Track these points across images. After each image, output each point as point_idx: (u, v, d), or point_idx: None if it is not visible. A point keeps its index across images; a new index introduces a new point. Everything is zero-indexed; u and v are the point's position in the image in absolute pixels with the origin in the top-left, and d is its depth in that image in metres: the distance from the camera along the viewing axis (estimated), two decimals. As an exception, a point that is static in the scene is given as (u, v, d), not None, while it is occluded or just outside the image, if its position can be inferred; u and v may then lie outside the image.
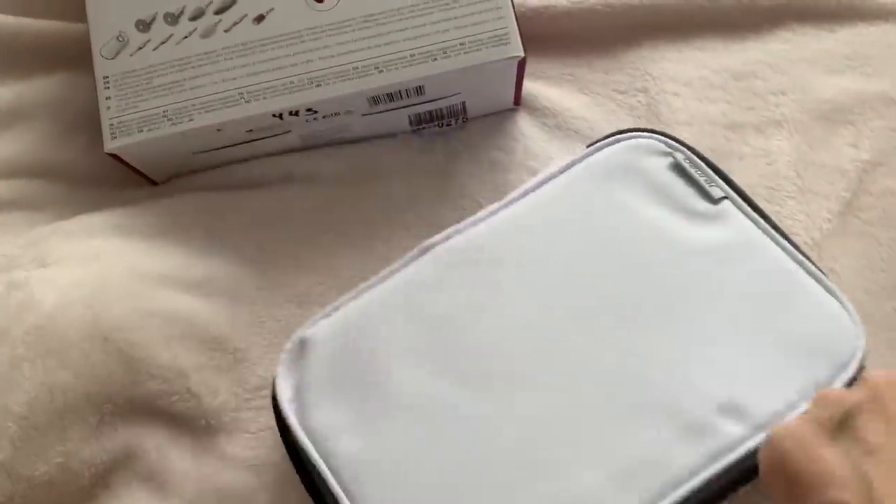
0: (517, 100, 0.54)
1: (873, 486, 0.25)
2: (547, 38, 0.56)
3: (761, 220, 0.43)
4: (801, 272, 0.41)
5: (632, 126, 0.51)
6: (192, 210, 0.51)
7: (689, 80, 0.54)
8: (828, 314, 0.40)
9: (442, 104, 0.52)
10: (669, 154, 0.44)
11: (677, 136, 0.52)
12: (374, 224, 0.51)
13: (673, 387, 0.37)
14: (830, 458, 0.27)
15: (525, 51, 0.48)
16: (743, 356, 0.38)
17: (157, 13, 0.50)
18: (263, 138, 0.51)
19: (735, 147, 0.52)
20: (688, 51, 0.55)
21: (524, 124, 0.54)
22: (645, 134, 0.45)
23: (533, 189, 0.45)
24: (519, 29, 0.49)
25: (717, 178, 0.44)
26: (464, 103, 0.52)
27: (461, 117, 0.54)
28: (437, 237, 0.44)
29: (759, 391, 0.37)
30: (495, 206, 0.44)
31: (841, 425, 0.28)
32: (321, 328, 0.42)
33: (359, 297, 0.43)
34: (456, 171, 0.53)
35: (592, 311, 0.40)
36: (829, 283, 0.41)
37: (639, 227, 0.42)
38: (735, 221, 0.42)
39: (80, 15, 0.51)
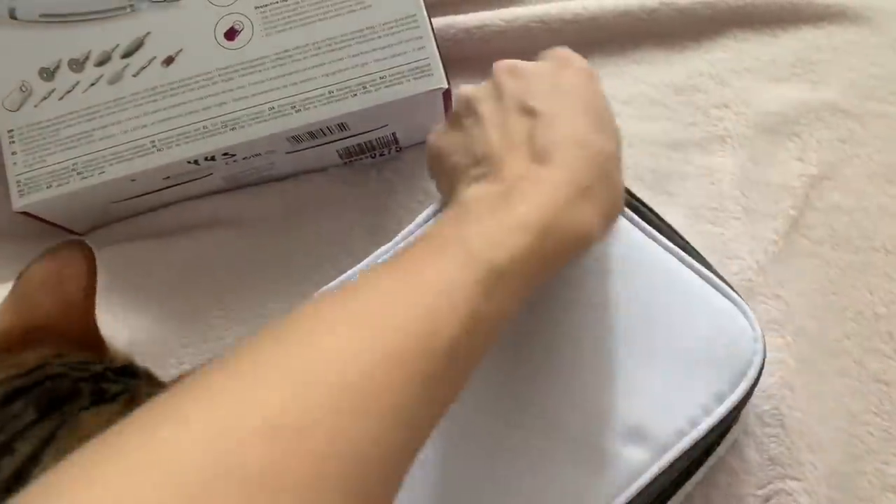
0: (450, 127, 0.52)
1: (472, 142, 0.34)
2: (480, 60, 0.53)
3: (653, 230, 0.40)
4: (698, 280, 0.39)
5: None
6: (112, 266, 0.48)
7: (629, 97, 0.52)
8: (726, 322, 0.38)
9: (371, 136, 0.49)
10: None
11: (617, 158, 0.50)
12: (305, 266, 0.49)
13: (576, 421, 0.36)
14: (450, 138, 0.36)
15: (449, 79, 0.46)
16: (642, 376, 0.37)
17: (60, 60, 0.47)
18: (184, 183, 0.49)
19: (677, 167, 0.50)
20: (626, 65, 0.53)
21: (460, 151, 0.52)
22: None
23: (419, 226, 0.42)
24: (442, 57, 0.46)
25: None
26: (394, 134, 0.50)
27: (394, 147, 0.52)
28: (329, 285, 0.41)
29: (660, 412, 0.36)
30: (385, 247, 0.41)
31: (466, 111, 0.36)
32: None
33: None
34: (389, 205, 0.51)
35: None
36: (726, 289, 0.39)
37: None
38: (626, 234, 0.40)
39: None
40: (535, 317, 0.38)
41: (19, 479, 0.29)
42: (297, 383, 0.22)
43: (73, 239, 0.35)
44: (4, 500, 0.28)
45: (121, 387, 0.32)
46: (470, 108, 0.35)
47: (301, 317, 0.26)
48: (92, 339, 0.35)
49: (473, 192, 0.32)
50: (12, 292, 0.34)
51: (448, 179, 0.36)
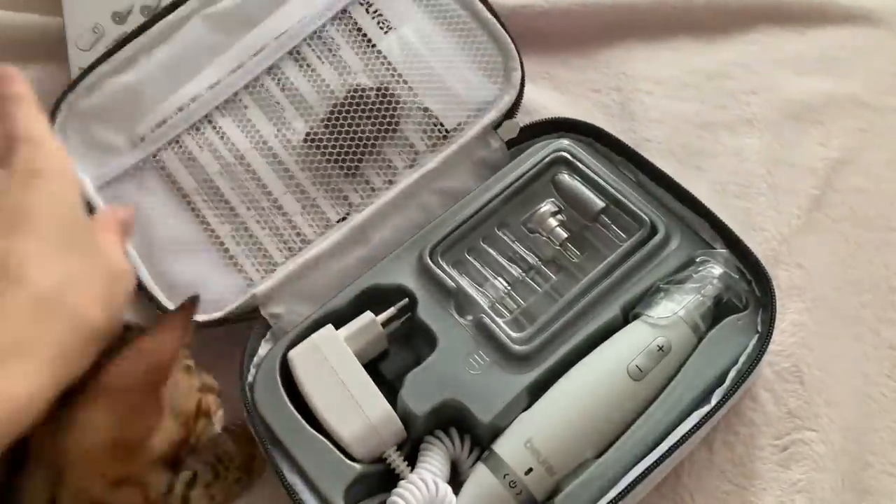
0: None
1: None
2: (524, 37, 0.57)
3: None
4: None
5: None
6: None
7: (662, 79, 0.55)
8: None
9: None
10: None
11: (649, 133, 0.53)
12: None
13: None
14: None
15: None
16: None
17: (133, 5, 0.50)
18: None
19: (707, 145, 0.53)
20: (661, 51, 0.56)
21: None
22: None
23: None
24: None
25: None
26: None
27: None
28: None
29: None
30: None
31: None
32: None
33: None
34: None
35: None
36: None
37: None
38: None
39: (56, 9, 0.51)
40: None
41: None
42: None
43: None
44: None
45: None
46: None
47: None
48: None
49: None
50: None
51: None
